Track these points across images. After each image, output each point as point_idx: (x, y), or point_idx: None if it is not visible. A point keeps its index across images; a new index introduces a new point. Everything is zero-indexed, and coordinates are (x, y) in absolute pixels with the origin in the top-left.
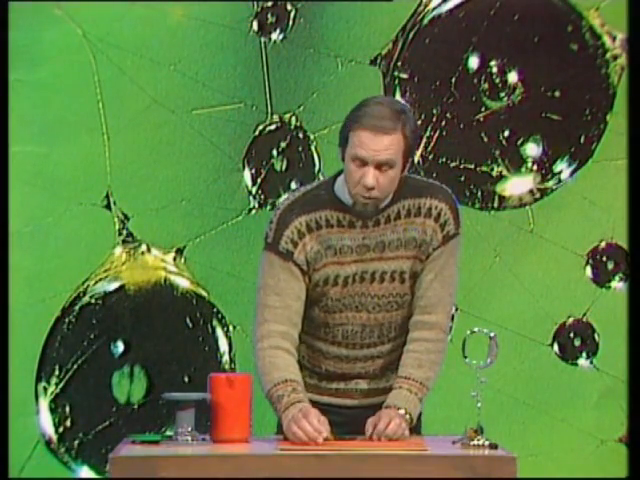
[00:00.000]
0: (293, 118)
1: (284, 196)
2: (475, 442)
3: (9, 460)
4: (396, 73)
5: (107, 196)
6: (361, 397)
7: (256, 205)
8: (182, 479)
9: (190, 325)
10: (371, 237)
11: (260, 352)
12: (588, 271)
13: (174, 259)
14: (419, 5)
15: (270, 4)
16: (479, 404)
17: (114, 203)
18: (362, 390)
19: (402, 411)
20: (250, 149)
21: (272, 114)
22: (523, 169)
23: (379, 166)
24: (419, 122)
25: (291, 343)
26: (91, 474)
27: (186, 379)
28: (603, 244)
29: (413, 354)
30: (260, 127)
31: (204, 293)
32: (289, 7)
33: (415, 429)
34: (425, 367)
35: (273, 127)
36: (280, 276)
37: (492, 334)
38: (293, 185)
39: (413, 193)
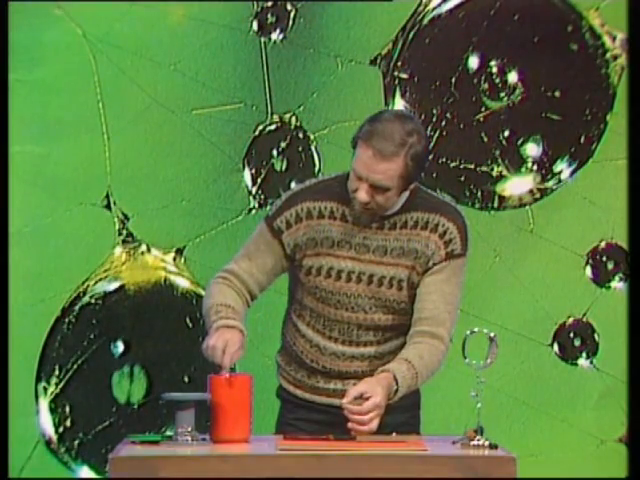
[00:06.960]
0: (293, 118)
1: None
2: (475, 442)
3: (9, 460)
4: (396, 73)
5: (107, 196)
6: None
7: (256, 205)
8: (182, 479)
9: (190, 325)
10: (372, 239)
11: (212, 284)
12: (588, 271)
13: (174, 259)
14: (419, 5)
15: (270, 4)
16: (479, 404)
17: (114, 203)
18: None
19: (394, 383)
20: (250, 149)
21: (272, 114)
22: (523, 169)
23: (373, 186)
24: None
25: (240, 293)
26: (91, 474)
27: (186, 379)
28: (603, 244)
29: (414, 350)
30: (260, 127)
31: (204, 293)
32: (289, 7)
33: (415, 429)
34: (424, 360)
35: (273, 127)
36: (261, 247)
37: (492, 334)
38: (293, 185)
39: (425, 207)
